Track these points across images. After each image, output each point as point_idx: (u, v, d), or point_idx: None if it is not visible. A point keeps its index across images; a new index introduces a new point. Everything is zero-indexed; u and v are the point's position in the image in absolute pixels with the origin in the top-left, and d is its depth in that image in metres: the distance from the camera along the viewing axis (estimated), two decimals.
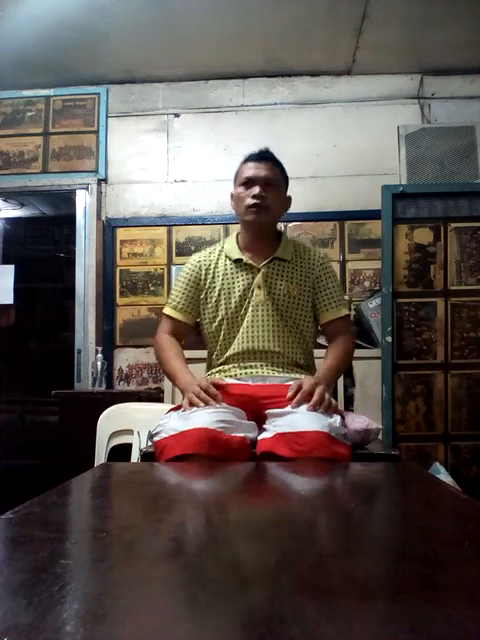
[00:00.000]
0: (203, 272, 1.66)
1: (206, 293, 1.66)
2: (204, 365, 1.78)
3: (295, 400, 1.41)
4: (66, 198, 3.44)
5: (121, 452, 2.15)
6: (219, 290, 1.62)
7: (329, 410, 1.41)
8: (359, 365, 2.64)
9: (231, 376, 1.61)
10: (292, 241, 1.74)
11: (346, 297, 2.70)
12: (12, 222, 3.92)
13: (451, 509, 0.92)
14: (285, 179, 1.64)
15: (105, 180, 3.30)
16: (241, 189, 1.59)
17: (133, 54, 3.05)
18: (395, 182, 2.92)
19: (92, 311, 3.22)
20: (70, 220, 3.41)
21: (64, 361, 3.41)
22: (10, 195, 3.56)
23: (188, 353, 1.72)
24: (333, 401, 1.45)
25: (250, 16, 2.71)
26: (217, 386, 1.49)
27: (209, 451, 1.28)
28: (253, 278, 1.61)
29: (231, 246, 1.67)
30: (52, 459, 2.80)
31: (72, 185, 3.32)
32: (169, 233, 3.25)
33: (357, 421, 1.52)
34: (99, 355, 3.02)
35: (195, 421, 1.34)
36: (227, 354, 1.62)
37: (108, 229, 3.27)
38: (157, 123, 3.31)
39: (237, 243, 1.67)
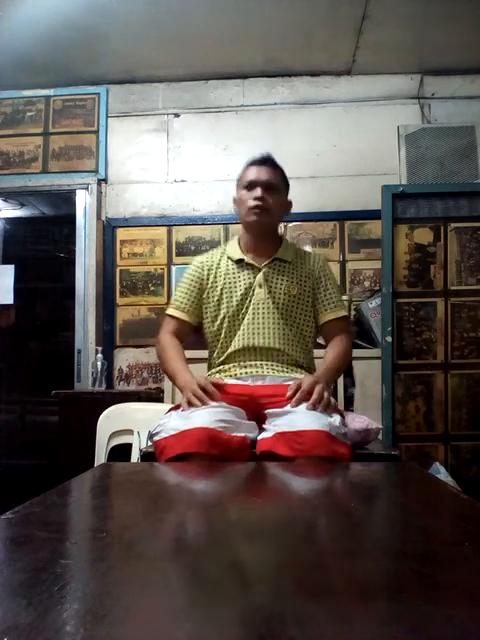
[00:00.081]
0: (205, 272, 1.70)
1: (208, 292, 1.68)
2: (204, 365, 1.79)
3: (295, 399, 1.42)
4: (66, 198, 3.44)
5: (121, 452, 2.15)
6: (221, 289, 1.65)
7: (328, 409, 1.41)
8: (359, 365, 2.64)
9: (231, 376, 1.62)
10: (292, 244, 1.80)
11: (346, 297, 2.73)
12: (12, 222, 3.92)
13: (451, 509, 0.92)
14: (286, 183, 1.68)
15: (105, 180, 3.30)
16: (243, 192, 1.63)
17: (133, 54, 3.05)
18: (395, 182, 2.92)
19: (92, 311, 3.22)
20: (70, 220, 3.40)
21: (64, 361, 3.41)
22: (10, 195, 3.56)
23: (188, 353, 1.73)
24: (332, 400, 1.46)
25: (250, 16, 2.71)
26: (217, 386, 1.50)
27: (209, 450, 1.28)
28: (254, 277, 1.64)
29: (233, 248, 1.71)
30: (52, 459, 2.80)
31: (72, 185, 3.32)
32: (169, 233, 3.25)
33: (357, 421, 1.52)
34: (99, 355, 3.02)
35: (195, 420, 1.34)
36: (228, 352, 1.63)
37: (108, 229, 3.27)
38: (157, 123, 3.31)
39: (239, 245, 1.71)
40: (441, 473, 2.38)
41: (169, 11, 2.65)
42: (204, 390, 1.45)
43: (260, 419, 1.49)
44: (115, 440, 2.19)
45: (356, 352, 2.57)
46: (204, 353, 1.80)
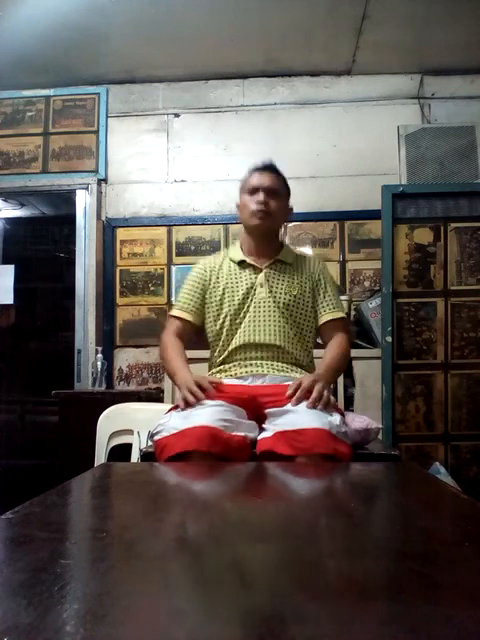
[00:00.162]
0: (208, 274, 1.74)
1: (210, 292, 1.72)
2: (204, 365, 1.80)
3: (295, 397, 1.42)
4: (66, 198, 3.44)
5: (121, 452, 2.15)
6: (223, 288, 1.69)
7: (328, 407, 1.42)
8: (359, 365, 2.64)
9: (231, 375, 1.63)
10: (292, 248, 1.85)
11: (346, 297, 2.73)
12: (12, 222, 3.92)
13: (451, 509, 0.92)
14: (287, 189, 1.73)
15: (105, 180, 3.30)
16: (246, 197, 1.68)
17: (133, 54, 3.05)
18: (395, 182, 2.92)
19: (92, 311, 3.22)
20: (70, 220, 3.40)
21: (64, 361, 3.41)
22: (10, 195, 3.56)
23: (189, 353, 1.74)
24: (332, 398, 1.46)
25: (250, 16, 2.71)
26: (214, 385, 1.51)
27: (210, 448, 1.28)
28: (256, 277, 1.68)
29: (235, 251, 1.76)
30: (52, 459, 2.80)
31: (72, 185, 3.32)
32: (169, 233, 3.25)
33: (357, 421, 1.52)
34: (99, 355, 3.02)
35: (196, 419, 1.35)
36: (229, 349, 1.65)
37: (108, 229, 3.27)
38: (157, 123, 3.31)
39: (241, 249, 1.76)
40: (441, 473, 2.38)
41: (169, 11, 2.65)
42: (200, 387, 1.46)
43: (260, 419, 1.49)
44: (115, 440, 2.19)
45: (356, 352, 2.58)
46: (205, 353, 1.81)
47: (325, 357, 1.65)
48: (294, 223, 3.14)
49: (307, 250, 3.16)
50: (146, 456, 1.46)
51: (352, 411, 2.45)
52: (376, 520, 0.88)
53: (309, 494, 1.09)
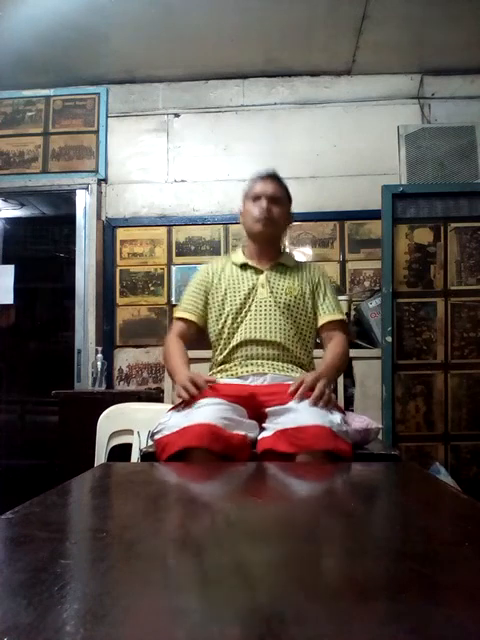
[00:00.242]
0: (211, 276, 1.78)
1: (213, 293, 1.76)
2: (204, 365, 1.81)
3: (298, 393, 1.43)
4: (66, 198, 3.44)
5: (121, 452, 2.15)
6: (225, 289, 1.73)
7: (329, 405, 1.43)
8: (359, 365, 2.64)
9: (232, 375, 1.64)
10: (293, 256, 1.93)
11: (345, 297, 2.73)
12: (12, 222, 3.92)
13: (451, 509, 0.92)
14: (289, 198, 1.79)
15: (105, 180, 3.30)
16: (250, 204, 1.73)
17: (133, 54, 3.05)
18: (395, 182, 2.92)
19: (92, 311, 3.22)
20: (70, 220, 3.41)
21: (64, 361, 3.41)
22: (10, 195, 3.56)
23: (190, 353, 1.76)
24: (333, 397, 1.48)
25: (250, 16, 2.71)
26: (212, 384, 1.52)
27: (211, 445, 1.29)
28: (257, 278, 1.73)
29: (237, 255, 1.82)
30: (52, 459, 2.80)
31: (72, 185, 3.32)
32: (169, 233, 3.25)
33: (357, 420, 1.52)
34: (99, 355, 3.02)
35: (196, 417, 1.36)
36: (230, 346, 1.66)
37: (108, 229, 3.27)
38: (157, 123, 3.31)
39: (243, 253, 1.81)
40: (441, 473, 2.38)
41: (169, 11, 2.65)
42: (196, 385, 1.47)
43: (260, 418, 1.50)
44: (115, 440, 2.19)
45: (356, 352, 2.58)
46: (204, 353, 1.82)
47: (326, 356, 1.66)
48: (294, 223, 3.13)
49: (307, 250, 3.16)
50: (146, 456, 1.46)
51: (352, 411, 2.45)
52: (376, 520, 0.88)
53: (309, 494, 1.09)
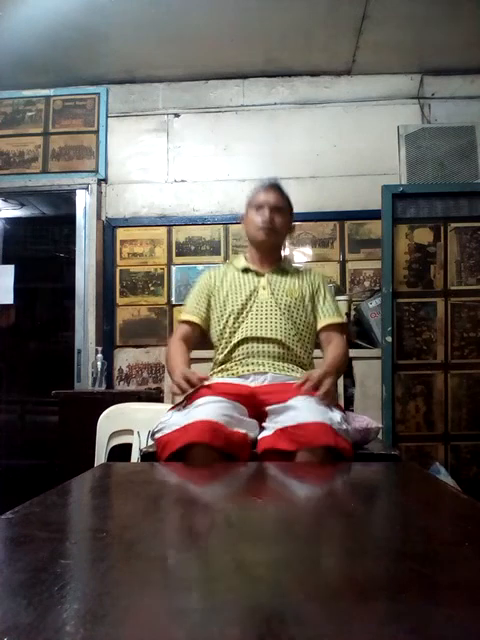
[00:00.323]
0: (213, 280, 1.83)
1: (215, 296, 1.80)
2: (205, 365, 1.82)
3: (305, 387, 1.45)
4: (66, 198, 3.44)
5: (121, 452, 2.15)
6: (227, 291, 1.77)
7: (331, 401, 1.45)
8: (359, 365, 2.64)
9: (233, 374, 1.65)
10: (292, 263, 1.98)
11: (345, 297, 2.73)
12: (12, 222, 3.92)
13: (451, 509, 0.92)
14: (290, 207, 1.84)
15: (105, 180, 3.30)
16: (253, 213, 1.79)
17: (133, 54, 3.05)
18: (395, 182, 2.92)
19: (92, 311, 3.22)
20: (70, 220, 3.40)
21: (64, 361, 3.41)
22: (10, 195, 3.56)
23: (193, 353, 1.79)
24: (335, 395, 1.49)
25: (250, 16, 2.71)
26: (218, 384, 1.53)
27: (212, 441, 1.29)
28: (259, 281, 1.77)
29: (239, 261, 1.88)
30: (52, 459, 2.80)
31: (72, 185, 3.32)
32: (169, 233, 3.25)
33: (357, 420, 1.52)
34: (99, 355, 3.02)
35: (197, 414, 1.36)
36: (232, 344, 1.68)
37: (108, 229, 3.27)
38: (157, 123, 3.31)
39: (245, 259, 1.87)
40: (441, 473, 2.38)
41: (169, 11, 2.65)
42: (189, 382, 1.48)
43: (261, 417, 1.50)
44: (115, 440, 2.19)
45: (356, 352, 2.58)
46: (208, 353, 1.84)
47: (327, 357, 1.68)
48: (294, 223, 3.13)
49: (307, 250, 3.17)
50: (146, 456, 1.46)
51: (352, 411, 2.45)
52: (376, 520, 0.88)
53: (309, 494, 1.09)
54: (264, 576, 0.57)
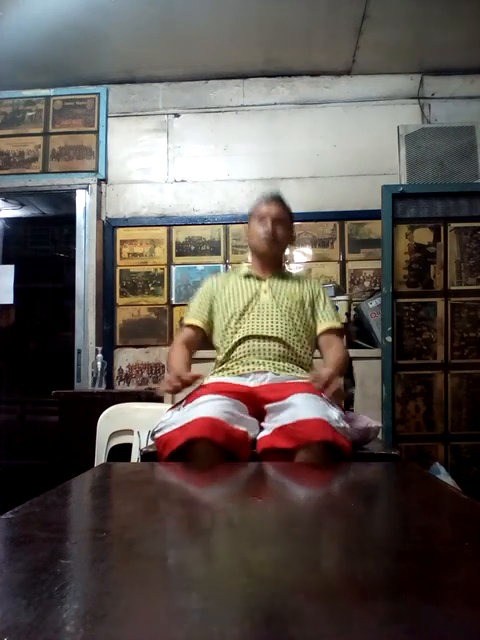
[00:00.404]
0: (215, 285, 1.89)
1: (218, 300, 1.84)
2: (205, 365, 1.83)
3: (316, 385, 1.45)
4: (66, 198, 3.44)
5: (121, 452, 2.15)
6: (229, 294, 1.82)
7: (338, 400, 1.48)
8: (359, 365, 2.64)
9: (234, 373, 1.66)
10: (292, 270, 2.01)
11: (345, 297, 2.73)
12: (12, 222, 3.92)
13: (451, 509, 0.92)
14: (292, 219, 1.91)
15: (105, 180, 3.30)
16: (255, 224, 1.84)
17: (133, 54, 3.05)
18: (395, 182, 2.93)
19: (92, 311, 3.22)
20: (70, 220, 3.41)
21: (64, 361, 3.41)
22: (10, 195, 3.56)
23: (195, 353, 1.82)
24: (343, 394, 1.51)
25: (250, 16, 2.71)
26: (218, 383, 1.55)
27: (213, 436, 1.29)
28: (260, 285, 1.82)
29: (242, 269, 1.93)
30: (52, 459, 2.80)
31: (72, 185, 3.32)
32: (169, 233, 3.25)
33: (357, 420, 1.52)
34: (99, 355, 3.02)
35: (198, 412, 1.37)
36: (233, 342, 1.70)
37: (108, 229, 3.27)
38: (157, 123, 3.31)
39: (247, 268, 1.92)
40: (441, 473, 2.38)
41: (169, 11, 2.65)
42: (181, 378, 1.48)
43: (260, 417, 1.50)
44: (115, 440, 2.19)
45: (356, 352, 2.58)
46: (209, 353, 1.85)
47: (330, 359, 1.70)
48: (294, 223, 3.13)
49: (307, 250, 3.17)
50: (146, 456, 1.46)
51: (352, 411, 2.44)
52: (376, 520, 0.88)
53: (309, 494, 1.09)
54: (264, 576, 0.57)
